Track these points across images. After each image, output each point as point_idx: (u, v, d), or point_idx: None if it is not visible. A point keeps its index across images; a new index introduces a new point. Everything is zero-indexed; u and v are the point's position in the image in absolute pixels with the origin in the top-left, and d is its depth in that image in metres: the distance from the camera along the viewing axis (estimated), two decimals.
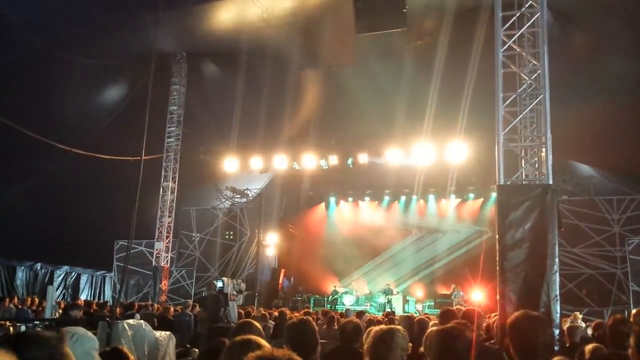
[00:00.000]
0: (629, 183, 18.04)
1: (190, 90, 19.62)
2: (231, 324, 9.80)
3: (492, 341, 5.69)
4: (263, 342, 2.51)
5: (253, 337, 2.60)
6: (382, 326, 3.60)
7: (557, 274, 6.55)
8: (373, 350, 3.19)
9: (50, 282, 20.98)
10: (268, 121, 19.56)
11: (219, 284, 11.33)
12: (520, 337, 3.11)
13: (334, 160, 19.92)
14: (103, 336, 5.46)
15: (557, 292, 6.48)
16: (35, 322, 8.50)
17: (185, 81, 19.61)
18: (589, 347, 4.68)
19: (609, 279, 17.41)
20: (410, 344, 3.55)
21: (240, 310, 11.35)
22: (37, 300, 14.65)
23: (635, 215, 17.58)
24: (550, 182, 7.14)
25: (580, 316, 11.77)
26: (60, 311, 10.91)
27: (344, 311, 13.45)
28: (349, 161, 19.81)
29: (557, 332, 6.35)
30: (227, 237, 22.35)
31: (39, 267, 21.29)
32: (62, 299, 20.02)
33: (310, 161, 20.02)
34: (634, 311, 5.49)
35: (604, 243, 17.70)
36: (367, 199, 24.54)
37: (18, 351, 1.63)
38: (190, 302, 14.01)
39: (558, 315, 6.43)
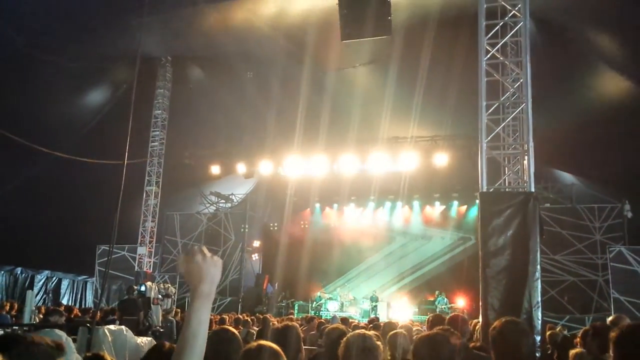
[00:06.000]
0: (610, 191, 18.25)
1: (175, 95, 19.51)
2: (153, 327, 9.82)
3: (476, 344, 5.70)
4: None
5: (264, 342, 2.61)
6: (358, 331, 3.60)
7: (539, 281, 6.61)
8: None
9: (31, 287, 20.62)
10: (253, 126, 19.53)
11: (141, 288, 11.34)
12: (505, 347, 3.08)
13: (319, 165, 19.94)
14: (83, 342, 5.39)
15: (539, 299, 6.53)
16: (14, 327, 8.35)
17: (170, 85, 19.51)
18: (572, 352, 4.71)
19: (590, 286, 17.57)
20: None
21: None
22: (16, 305, 14.40)
23: (616, 223, 17.77)
24: (533, 189, 7.22)
25: None
26: (41, 316, 10.73)
27: (330, 318, 13.37)
28: (335, 167, 19.84)
29: (538, 338, 6.40)
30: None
31: (19, 272, 20.94)
32: (42, 304, 19.71)
33: (295, 167, 20.00)
34: (611, 318, 5.49)
35: (586, 250, 17.86)
36: (352, 205, 24.56)
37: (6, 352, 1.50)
38: (174, 307, 13.88)
39: (539, 321, 6.49)
